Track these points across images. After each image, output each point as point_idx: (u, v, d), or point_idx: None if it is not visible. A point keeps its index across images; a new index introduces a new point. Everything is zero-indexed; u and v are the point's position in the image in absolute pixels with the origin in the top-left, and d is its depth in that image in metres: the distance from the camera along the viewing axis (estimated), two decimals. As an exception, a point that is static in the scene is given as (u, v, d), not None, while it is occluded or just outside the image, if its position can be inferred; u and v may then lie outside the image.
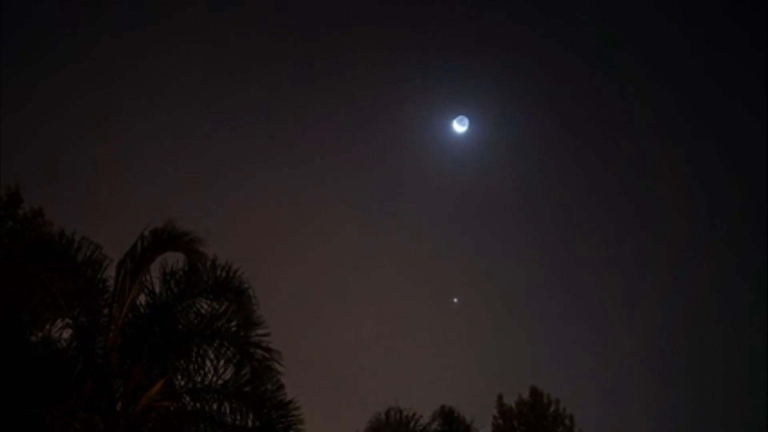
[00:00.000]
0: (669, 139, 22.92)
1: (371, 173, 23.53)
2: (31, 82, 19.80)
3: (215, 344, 9.95)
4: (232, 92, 22.29)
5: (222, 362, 9.95)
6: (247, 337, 10.05)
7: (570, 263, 24.90)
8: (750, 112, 21.78)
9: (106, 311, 9.58)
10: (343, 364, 21.76)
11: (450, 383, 21.85)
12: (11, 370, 8.83)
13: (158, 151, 21.76)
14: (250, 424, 9.84)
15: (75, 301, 9.59)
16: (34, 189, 15.00)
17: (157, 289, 10.07)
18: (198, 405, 9.83)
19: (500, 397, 20.39)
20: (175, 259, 10.07)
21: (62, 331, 9.61)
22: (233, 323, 10.13)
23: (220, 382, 9.90)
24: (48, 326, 9.77)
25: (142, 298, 9.92)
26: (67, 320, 9.57)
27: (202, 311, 10.13)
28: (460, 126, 21.67)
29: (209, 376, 9.91)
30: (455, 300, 24.49)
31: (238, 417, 9.82)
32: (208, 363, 9.91)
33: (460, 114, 21.43)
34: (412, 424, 12.21)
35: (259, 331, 10.08)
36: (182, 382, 9.84)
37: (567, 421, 19.78)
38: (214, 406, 9.82)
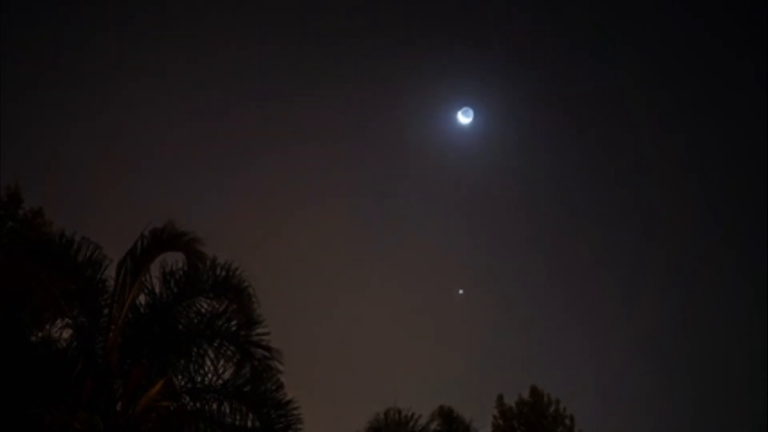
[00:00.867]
0: (670, 139, 22.95)
1: (374, 164, 23.56)
2: (31, 82, 19.83)
3: (215, 344, 9.94)
4: (233, 89, 22.33)
5: (222, 362, 9.96)
6: (247, 336, 10.05)
7: (570, 263, 24.94)
8: (751, 112, 21.80)
9: (106, 311, 9.57)
10: (342, 364, 21.78)
11: (450, 383, 21.87)
12: (11, 370, 8.83)
13: (158, 150, 21.80)
14: (249, 424, 9.84)
15: (75, 301, 9.58)
16: (34, 189, 15.02)
17: (157, 289, 10.06)
18: (198, 405, 9.82)
19: (500, 397, 20.41)
20: (174, 259, 10.10)
21: (62, 331, 9.61)
22: (233, 322, 10.12)
23: (219, 382, 9.90)
24: (48, 326, 9.76)
25: (142, 298, 9.92)
26: (67, 320, 9.56)
27: (202, 311, 10.14)
28: (464, 117, 21.66)
29: (209, 375, 9.92)
30: (461, 291, 24.48)
31: (238, 417, 9.81)
32: (208, 362, 9.92)
33: (465, 105, 21.43)
34: (411, 424, 12.23)
35: (260, 330, 10.09)
36: (182, 382, 9.84)
37: (567, 421, 19.79)
38: (214, 406, 9.81)
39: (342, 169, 23.39)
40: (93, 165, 20.98)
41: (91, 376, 8.84)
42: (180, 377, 9.86)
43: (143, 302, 9.96)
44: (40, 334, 9.89)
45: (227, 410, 9.81)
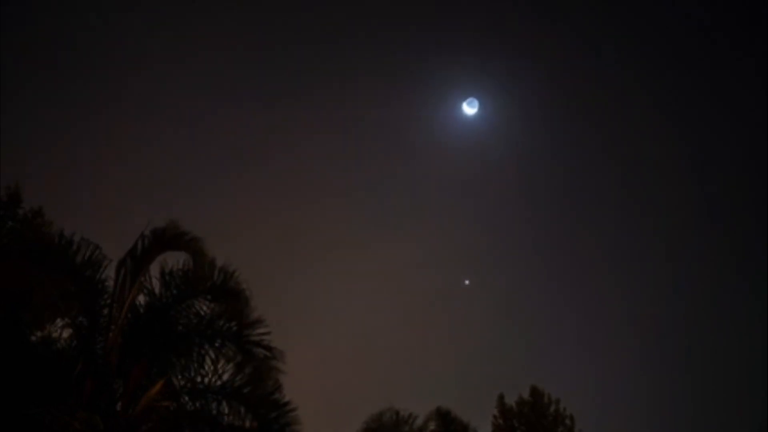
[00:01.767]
0: (671, 139, 22.94)
1: (378, 157, 23.48)
2: (30, 81, 19.83)
3: (217, 344, 9.95)
4: (233, 88, 22.33)
5: (222, 362, 9.97)
6: (248, 336, 10.06)
7: (570, 263, 24.92)
8: (752, 111, 21.80)
9: (105, 311, 9.59)
10: (343, 363, 21.78)
11: (450, 383, 21.87)
12: (11, 370, 8.84)
13: (158, 150, 21.80)
14: (248, 424, 9.84)
15: (75, 301, 9.60)
16: (34, 189, 15.01)
17: (157, 290, 10.08)
18: (197, 405, 9.83)
19: (501, 397, 20.41)
20: (174, 259, 10.10)
21: (62, 331, 9.64)
22: (234, 322, 10.14)
23: (219, 382, 9.90)
24: (48, 326, 9.78)
25: (141, 298, 9.93)
26: (67, 320, 9.58)
27: (201, 312, 10.14)
28: (470, 108, 21.60)
29: (209, 375, 9.92)
30: (467, 282, 24.44)
31: (236, 417, 9.82)
32: (208, 362, 9.93)
33: (471, 96, 21.39)
34: (408, 425, 12.21)
35: (261, 330, 10.12)
36: (182, 382, 9.85)
37: (567, 421, 19.79)
38: (214, 406, 9.82)
39: (346, 163, 23.37)
40: (93, 165, 20.99)
41: (91, 376, 8.86)
42: (180, 377, 9.87)
43: (143, 302, 9.98)
44: (40, 334, 9.91)
45: (226, 410, 9.82)
